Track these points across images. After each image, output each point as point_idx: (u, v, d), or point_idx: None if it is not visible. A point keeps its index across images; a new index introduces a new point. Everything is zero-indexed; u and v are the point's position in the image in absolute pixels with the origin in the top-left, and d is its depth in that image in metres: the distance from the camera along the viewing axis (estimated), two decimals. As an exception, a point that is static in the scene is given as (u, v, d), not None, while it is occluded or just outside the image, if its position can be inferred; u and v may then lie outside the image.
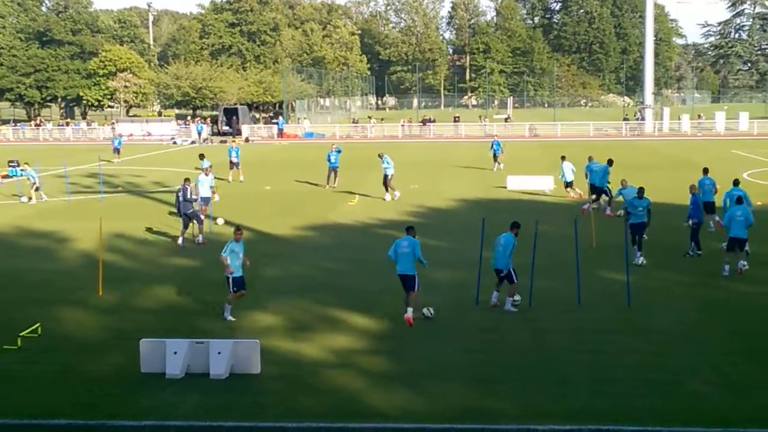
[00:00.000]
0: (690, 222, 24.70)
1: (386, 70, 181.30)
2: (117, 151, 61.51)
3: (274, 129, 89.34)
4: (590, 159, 34.86)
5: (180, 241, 27.78)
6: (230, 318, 18.73)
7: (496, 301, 19.48)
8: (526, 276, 19.78)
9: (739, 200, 23.66)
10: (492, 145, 51.17)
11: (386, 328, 18.13)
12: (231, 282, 18.84)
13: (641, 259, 23.43)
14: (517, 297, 19.37)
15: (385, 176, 37.80)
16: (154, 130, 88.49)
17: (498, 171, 48.04)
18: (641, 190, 24.31)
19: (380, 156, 38.53)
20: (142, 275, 23.59)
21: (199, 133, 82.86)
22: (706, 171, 28.94)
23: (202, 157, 39.87)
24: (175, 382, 14.95)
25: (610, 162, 33.66)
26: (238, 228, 19.93)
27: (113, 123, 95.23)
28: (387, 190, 37.79)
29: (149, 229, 30.54)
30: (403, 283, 18.68)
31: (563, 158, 36.87)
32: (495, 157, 50.28)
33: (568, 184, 36.38)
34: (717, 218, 27.07)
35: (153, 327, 18.04)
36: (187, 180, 28.86)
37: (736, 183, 26.65)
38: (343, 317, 18.87)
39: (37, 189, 39.01)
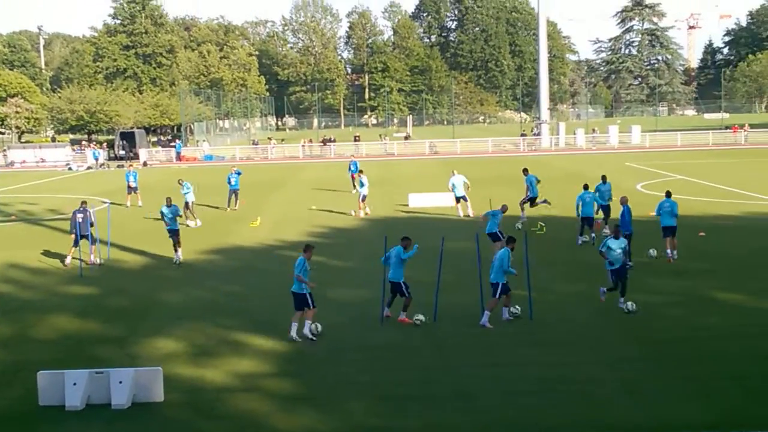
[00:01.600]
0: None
1: (285, 91, 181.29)
2: None
3: (173, 152, 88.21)
4: (453, 173, 37.39)
5: (68, 261, 28.57)
6: (312, 337, 18.64)
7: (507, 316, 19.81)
8: (431, 293, 19.91)
9: (668, 194, 27.00)
10: (350, 166, 49.64)
11: (290, 350, 17.99)
12: (310, 298, 18.75)
13: (629, 303, 20.29)
14: (515, 309, 19.95)
15: (186, 203, 37.36)
16: (48, 156, 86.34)
17: (356, 193, 46.09)
18: (617, 230, 21.27)
19: (180, 182, 38.72)
20: (37, 305, 22.93)
21: (96, 159, 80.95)
22: (668, 194, 27.32)
23: None
24: (76, 414, 14.56)
25: (603, 178, 31.42)
26: (311, 246, 19.83)
27: (4, 150, 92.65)
28: (188, 216, 37.08)
29: (46, 253, 29.78)
30: (392, 289, 19.73)
31: (361, 172, 40.32)
32: (353, 178, 47.05)
33: (364, 198, 38.68)
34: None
35: (50, 358, 17.54)
36: (84, 203, 29.37)
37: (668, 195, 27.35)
38: (246, 341, 18.66)
39: None
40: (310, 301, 18.72)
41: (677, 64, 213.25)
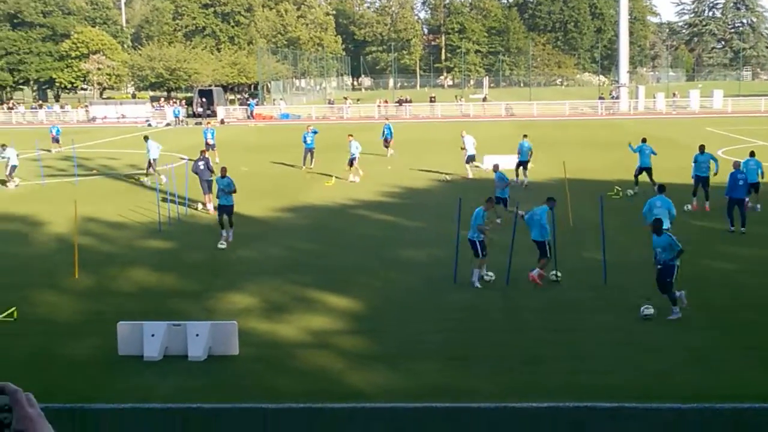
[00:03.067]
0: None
1: (361, 51, 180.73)
2: (56, 140, 54.29)
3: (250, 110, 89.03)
4: (463, 133, 38.69)
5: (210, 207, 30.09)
6: (478, 284, 19.48)
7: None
8: (504, 254, 19.87)
9: (752, 154, 28.00)
10: (384, 130, 47.75)
11: (362, 309, 18.16)
12: (480, 246, 19.61)
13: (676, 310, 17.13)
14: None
15: (149, 161, 38.56)
16: (129, 113, 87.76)
17: (391, 157, 45.97)
18: (657, 223, 17.55)
19: (145, 138, 39.14)
20: (117, 258, 23.49)
21: (177, 117, 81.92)
22: (752, 153, 28.34)
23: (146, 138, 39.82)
24: (153, 364, 14.92)
25: (701, 148, 29.17)
26: (492, 198, 20.97)
27: (87, 105, 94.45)
28: (148, 174, 38.42)
29: (126, 207, 30.40)
30: (538, 247, 19.99)
31: (351, 136, 39.03)
32: (387, 142, 47.28)
33: (352, 162, 38.04)
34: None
35: (130, 310, 17.97)
36: (203, 151, 32.33)
37: (752, 154, 28.25)
38: (319, 298, 18.88)
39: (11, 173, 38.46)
40: (479, 250, 19.52)
41: (763, 28, 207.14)
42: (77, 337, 16.60)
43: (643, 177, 31.56)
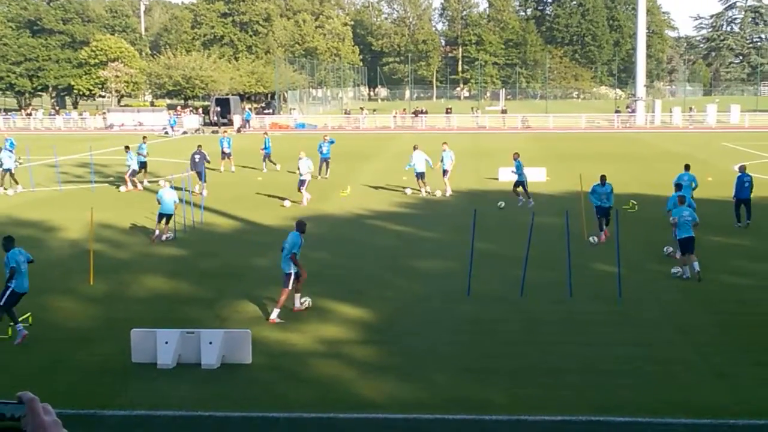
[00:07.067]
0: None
1: (378, 62, 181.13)
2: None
3: (267, 119, 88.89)
4: (415, 148, 35.97)
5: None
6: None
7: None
8: (518, 267, 19.82)
9: (743, 168, 27.89)
10: (265, 143, 45.16)
11: (375, 318, 18.14)
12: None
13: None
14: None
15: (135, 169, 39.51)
16: (146, 120, 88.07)
17: (266, 175, 43.40)
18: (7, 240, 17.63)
19: (126, 149, 39.92)
20: (132, 265, 23.55)
21: (172, 127, 79.23)
22: (687, 167, 27.96)
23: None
24: (166, 372, 14.94)
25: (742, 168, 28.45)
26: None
27: (104, 113, 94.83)
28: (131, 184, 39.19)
29: (141, 214, 30.47)
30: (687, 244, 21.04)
31: (145, 139, 41.69)
32: (268, 157, 45.30)
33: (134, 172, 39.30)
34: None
35: (144, 317, 18.02)
36: (200, 146, 37.81)
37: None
38: (332, 307, 18.87)
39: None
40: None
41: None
42: (91, 344, 16.64)
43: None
